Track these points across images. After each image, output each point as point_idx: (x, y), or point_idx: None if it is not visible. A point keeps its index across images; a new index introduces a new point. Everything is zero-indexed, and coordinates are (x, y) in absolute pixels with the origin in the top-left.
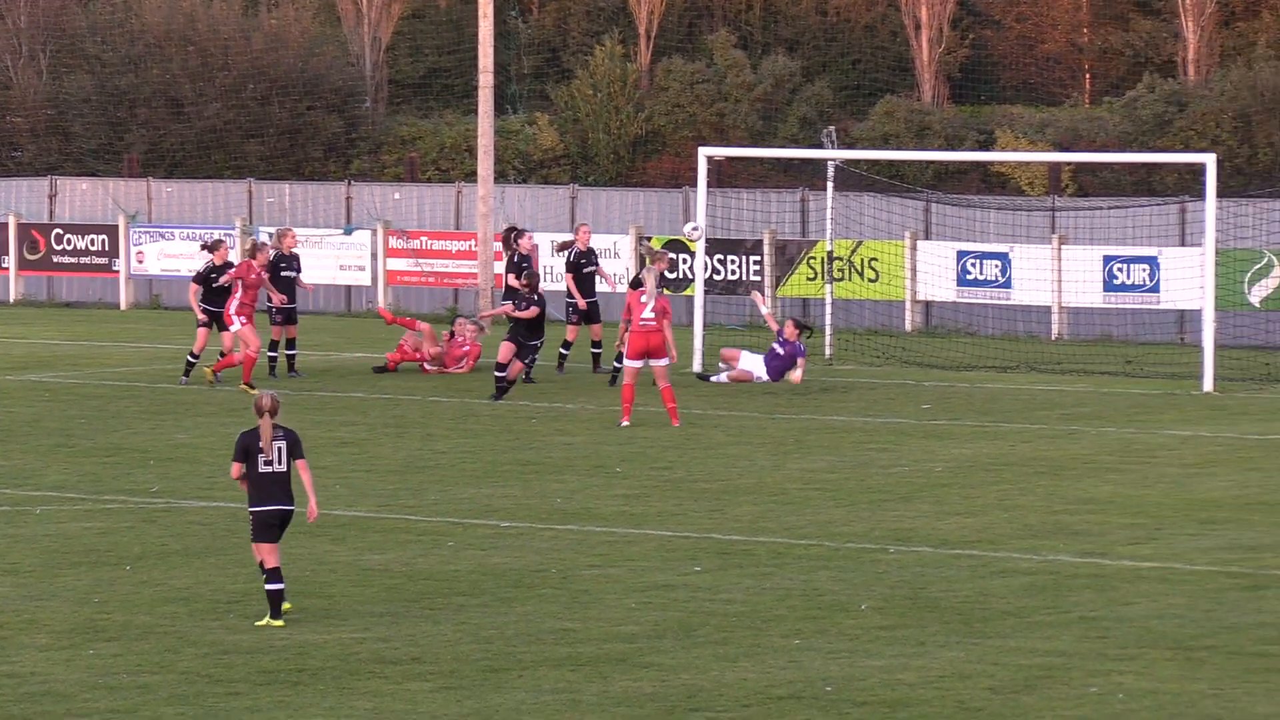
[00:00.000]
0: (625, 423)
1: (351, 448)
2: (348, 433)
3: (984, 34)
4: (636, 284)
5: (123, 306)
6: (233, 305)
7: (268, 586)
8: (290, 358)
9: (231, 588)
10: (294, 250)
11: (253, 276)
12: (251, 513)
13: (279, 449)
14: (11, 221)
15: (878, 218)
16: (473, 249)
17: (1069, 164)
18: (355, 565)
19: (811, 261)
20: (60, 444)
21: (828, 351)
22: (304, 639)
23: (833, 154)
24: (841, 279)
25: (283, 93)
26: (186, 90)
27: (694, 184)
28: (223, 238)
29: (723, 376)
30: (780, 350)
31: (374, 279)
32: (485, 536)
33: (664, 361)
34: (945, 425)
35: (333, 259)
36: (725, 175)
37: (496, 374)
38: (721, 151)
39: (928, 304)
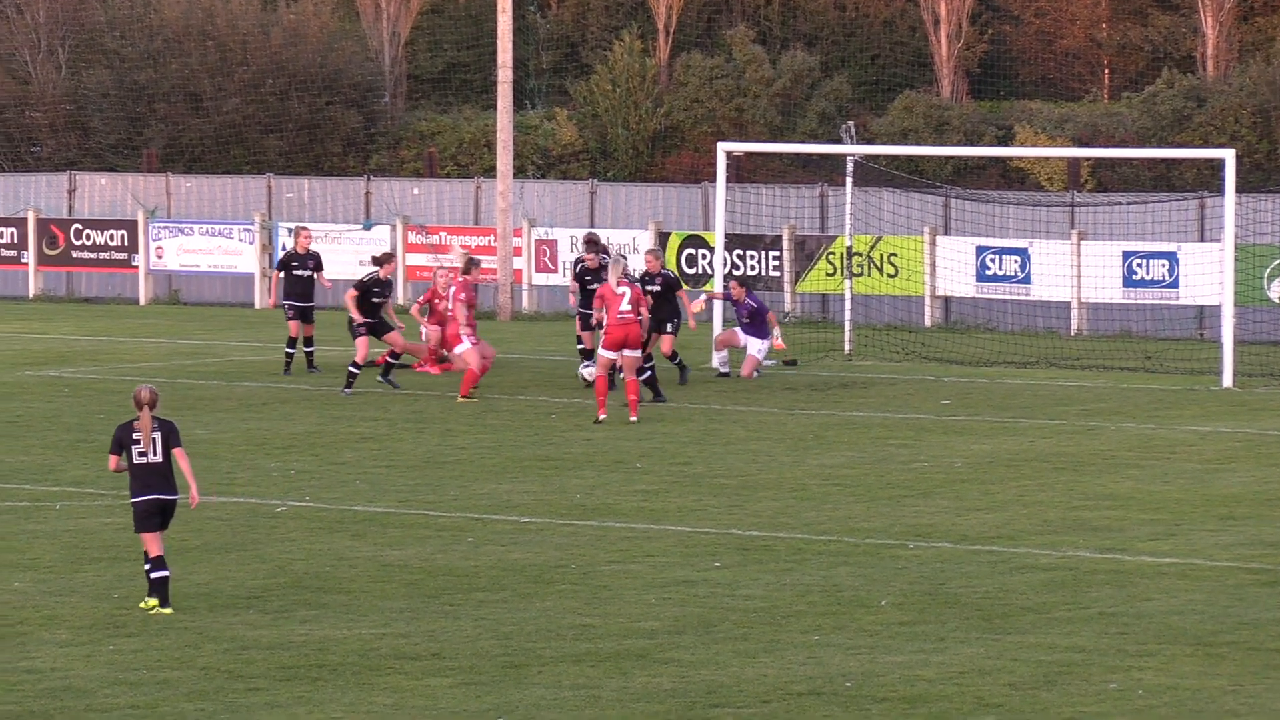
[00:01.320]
0: (603, 416)
1: (372, 443)
2: (368, 428)
3: (1003, 29)
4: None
5: (142, 302)
6: (460, 326)
7: (152, 575)
8: (309, 355)
9: (251, 583)
10: (309, 249)
11: (472, 293)
12: (131, 503)
13: (155, 440)
14: (31, 217)
15: (897, 213)
16: (492, 244)
17: (1088, 159)
18: (375, 561)
19: (831, 257)
20: (80, 439)
21: (847, 347)
22: (324, 635)
23: (852, 149)
24: (861, 274)
25: (302, 88)
26: (205, 85)
27: (713, 179)
28: (393, 252)
29: (717, 361)
30: (744, 315)
31: (396, 276)
32: (505, 532)
33: (636, 353)
34: (965, 421)
35: (352, 254)
36: (744, 171)
37: (676, 363)
38: (740, 147)
39: (947, 299)
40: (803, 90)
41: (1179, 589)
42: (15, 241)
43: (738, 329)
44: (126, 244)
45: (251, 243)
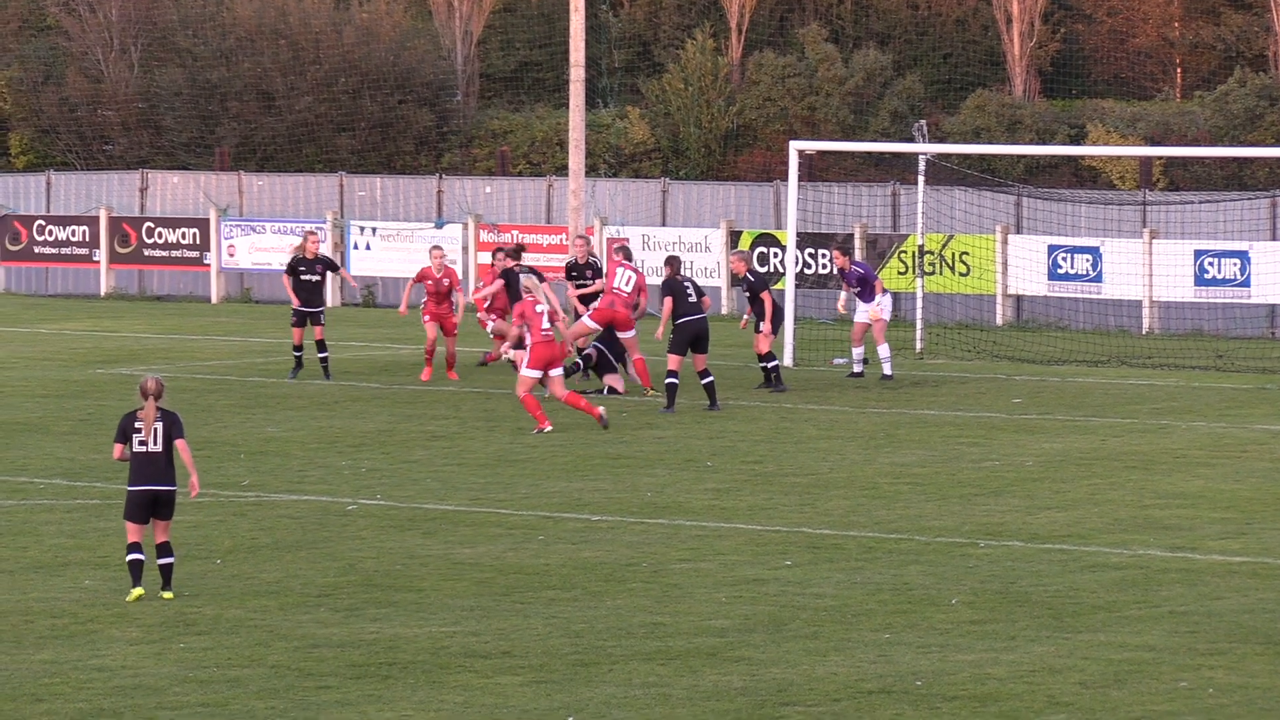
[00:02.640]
0: (548, 428)
1: (443, 441)
2: (439, 426)
3: (1075, 28)
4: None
5: (214, 300)
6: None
7: (160, 561)
8: (323, 361)
9: (321, 581)
10: (317, 253)
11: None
12: (127, 491)
13: (156, 430)
14: (103, 215)
15: (969, 211)
16: (563, 243)
17: (1160, 158)
18: (446, 559)
19: (903, 255)
20: None
21: (919, 345)
22: (395, 633)
23: (924, 148)
24: (932, 273)
25: (374, 86)
26: (278, 84)
27: (785, 178)
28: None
29: (854, 356)
30: (854, 283)
31: (464, 272)
32: (576, 530)
33: (559, 373)
34: (1036, 419)
35: (424, 252)
36: (816, 169)
37: (765, 365)
38: (812, 145)
39: (1019, 298)
40: (875, 89)
41: (1250, 588)
42: (87, 239)
43: (857, 318)
44: (198, 242)
45: (323, 241)
